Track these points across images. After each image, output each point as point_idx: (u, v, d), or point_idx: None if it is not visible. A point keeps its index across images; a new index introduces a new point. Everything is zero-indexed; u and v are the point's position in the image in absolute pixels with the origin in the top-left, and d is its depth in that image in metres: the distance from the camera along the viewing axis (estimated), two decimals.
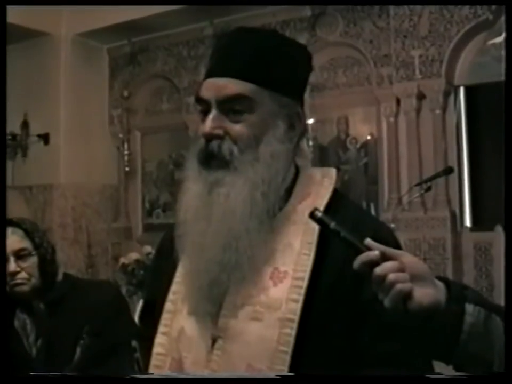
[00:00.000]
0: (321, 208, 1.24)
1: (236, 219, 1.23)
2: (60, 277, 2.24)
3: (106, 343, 2.10)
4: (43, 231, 2.27)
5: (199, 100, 1.30)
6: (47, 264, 2.19)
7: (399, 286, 1.00)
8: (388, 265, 1.02)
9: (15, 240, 2.16)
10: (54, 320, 2.14)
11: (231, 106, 1.26)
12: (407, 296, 1.01)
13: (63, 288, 2.20)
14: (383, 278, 1.01)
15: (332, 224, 1.07)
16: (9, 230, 2.16)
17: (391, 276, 1.01)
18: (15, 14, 4.69)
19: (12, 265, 2.12)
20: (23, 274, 2.14)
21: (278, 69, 1.29)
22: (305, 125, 1.34)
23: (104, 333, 2.11)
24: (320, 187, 1.32)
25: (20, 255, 2.14)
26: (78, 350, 2.09)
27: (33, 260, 2.17)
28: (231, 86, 1.25)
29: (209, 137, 1.26)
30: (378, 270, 1.02)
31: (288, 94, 1.30)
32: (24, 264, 2.14)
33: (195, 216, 1.27)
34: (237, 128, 1.25)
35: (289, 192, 1.30)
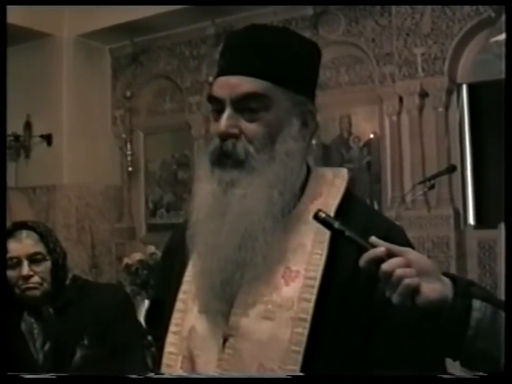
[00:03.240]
0: (333, 208, 1.24)
1: (252, 218, 1.21)
2: (68, 280, 2.20)
3: (109, 345, 2.07)
4: (55, 236, 2.24)
5: (211, 99, 1.27)
6: (59, 269, 2.16)
7: (406, 281, 1.01)
8: (394, 261, 1.02)
9: (29, 243, 2.13)
10: (61, 325, 2.11)
11: (246, 105, 1.24)
12: (415, 291, 1.01)
13: (71, 292, 2.17)
14: (390, 274, 1.01)
15: (336, 224, 1.07)
16: (24, 233, 2.14)
17: (398, 271, 1.01)
18: (17, 15, 4.70)
19: (25, 269, 2.10)
20: (36, 279, 2.11)
21: (290, 66, 1.27)
22: (317, 123, 1.34)
23: (107, 336, 2.09)
24: (331, 187, 1.31)
25: (33, 259, 2.12)
26: (78, 351, 2.07)
27: (47, 265, 2.14)
28: (246, 84, 1.23)
29: (224, 137, 1.23)
30: (385, 266, 1.02)
31: (301, 92, 1.29)
32: (37, 269, 2.12)
33: (208, 215, 1.25)
34: (252, 127, 1.24)
35: (301, 191, 1.29)
